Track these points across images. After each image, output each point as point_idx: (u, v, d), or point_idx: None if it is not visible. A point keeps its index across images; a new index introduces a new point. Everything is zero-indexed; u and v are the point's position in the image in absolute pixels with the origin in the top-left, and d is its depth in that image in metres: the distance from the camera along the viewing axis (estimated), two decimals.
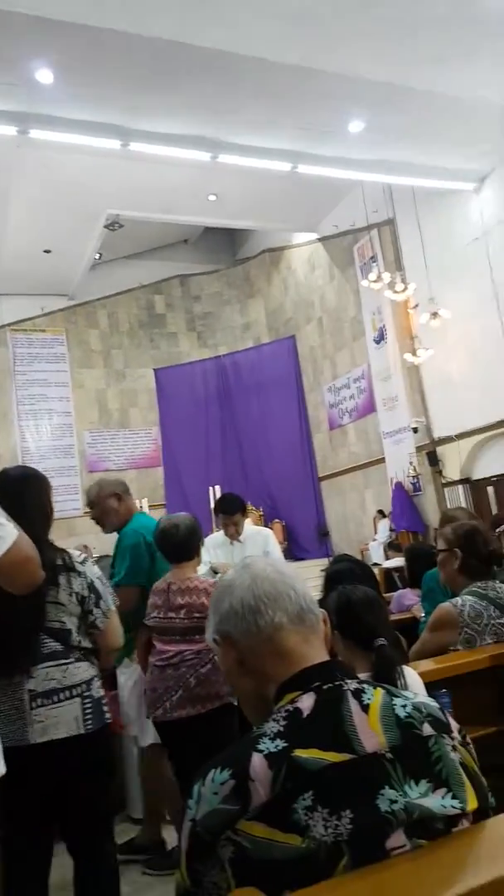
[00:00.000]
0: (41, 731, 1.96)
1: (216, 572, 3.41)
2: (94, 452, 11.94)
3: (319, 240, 10.96)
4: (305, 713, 0.97)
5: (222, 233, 12.91)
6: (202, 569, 3.35)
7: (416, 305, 8.74)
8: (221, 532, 3.91)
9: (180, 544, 2.90)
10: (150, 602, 2.97)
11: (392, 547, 8.21)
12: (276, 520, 11.37)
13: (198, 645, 2.74)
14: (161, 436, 12.52)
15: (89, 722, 2.01)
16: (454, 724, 1.03)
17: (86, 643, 2.11)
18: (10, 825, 1.92)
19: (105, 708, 2.10)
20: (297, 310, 11.93)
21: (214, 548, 3.84)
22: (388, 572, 6.61)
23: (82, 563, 2.15)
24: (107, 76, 6.19)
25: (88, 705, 2.03)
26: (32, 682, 1.98)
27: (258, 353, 12.57)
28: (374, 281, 8.66)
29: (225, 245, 13.37)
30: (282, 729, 0.95)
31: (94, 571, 2.16)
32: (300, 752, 0.92)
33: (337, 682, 1.01)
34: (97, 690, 2.09)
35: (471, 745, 1.03)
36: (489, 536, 2.79)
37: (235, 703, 2.65)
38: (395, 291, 8.60)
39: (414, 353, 8.59)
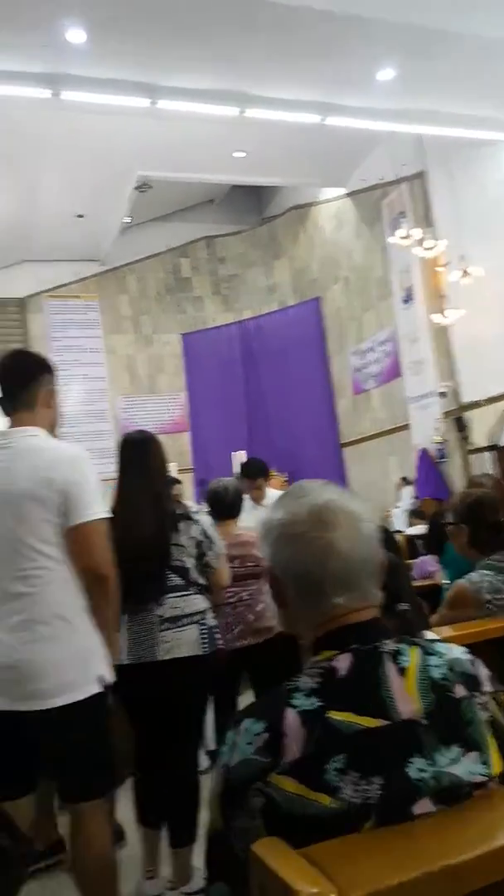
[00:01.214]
0: (167, 650, 2.34)
1: None
2: (126, 418, 12.14)
3: (348, 195, 10.86)
4: (341, 673, 0.97)
5: (249, 191, 12.83)
6: None
7: (447, 263, 8.60)
8: (246, 496, 3.99)
9: (231, 504, 3.31)
10: None
11: (415, 514, 8.17)
12: None
13: (251, 588, 3.20)
14: (188, 401, 12.64)
15: (205, 645, 2.40)
16: (484, 673, 1.04)
17: (201, 580, 2.50)
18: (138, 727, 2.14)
19: (217, 635, 2.49)
20: (323, 270, 11.88)
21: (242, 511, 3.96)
22: (410, 539, 6.69)
23: (196, 513, 2.57)
24: (136, 32, 6.21)
25: (205, 631, 2.43)
26: (161, 609, 2.37)
27: (283, 316, 12.56)
28: (404, 238, 8.50)
29: (251, 204, 13.30)
30: (316, 686, 0.96)
31: (206, 520, 2.56)
32: (334, 715, 0.93)
33: (375, 644, 1.01)
34: (211, 620, 2.48)
35: (500, 695, 1.04)
36: (500, 504, 2.69)
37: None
38: (425, 248, 8.47)
39: (443, 314, 8.50)
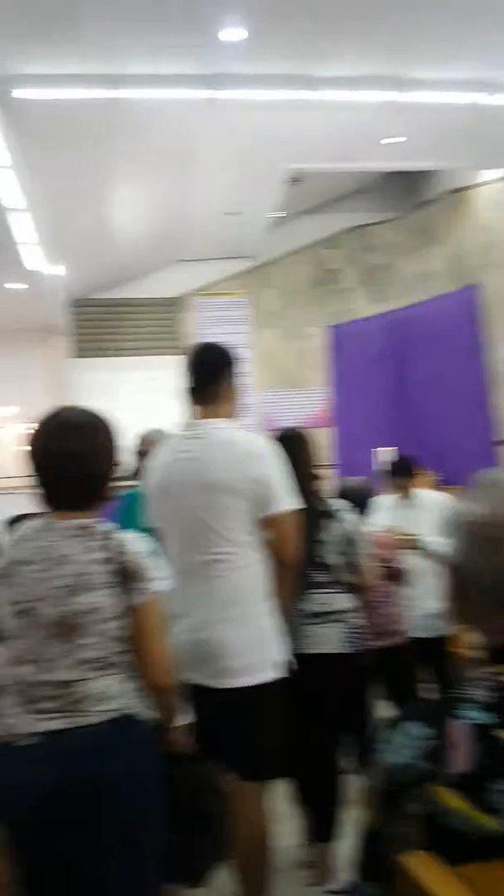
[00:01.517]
0: (312, 643, 2.38)
1: None
2: (269, 412, 12.19)
3: None
4: None
5: (401, 177, 12.41)
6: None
7: None
8: (392, 495, 3.85)
9: (358, 503, 3.25)
10: None
11: None
12: (451, 485, 10.93)
13: (382, 591, 3.13)
14: (331, 395, 12.43)
15: (349, 643, 2.47)
16: None
17: (346, 578, 2.53)
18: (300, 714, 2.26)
19: (360, 634, 2.54)
20: (482, 256, 11.24)
21: (385, 510, 3.76)
22: None
23: (342, 511, 2.58)
24: (292, 24, 6.15)
25: (348, 630, 2.48)
26: (305, 604, 2.37)
27: (437, 305, 11.96)
28: None
29: (404, 190, 12.85)
30: (493, 701, 0.90)
31: (351, 519, 2.59)
32: (502, 734, 0.87)
33: None
34: (355, 619, 2.52)
35: None
36: None
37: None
38: None
39: None
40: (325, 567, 2.47)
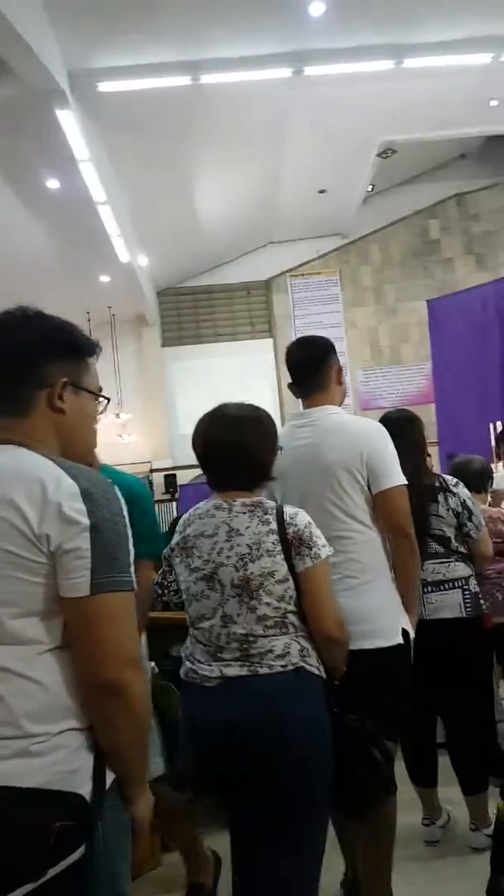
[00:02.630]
0: (432, 610, 2.56)
1: None
2: (366, 391, 11.85)
3: None
4: None
5: (502, 142, 11.62)
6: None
7: None
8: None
9: (474, 479, 3.21)
10: None
11: None
12: None
13: (498, 566, 3.10)
14: (433, 370, 11.89)
15: (469, 608, 2.58)
16: None
17: (463, 549, 2.65)
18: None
19: (481, 600, 2.64)
20: None
21: (499, 485, 3.71)
22: None
23: (455, 485, 2.67)
24: None
25: (468, 596, 2.59)
26: (423, 574, 2.49)
27: None
28: None
29: None
30: None
31: (464, 493, 2.66)
32: None
33: None
34: (474, 586, 2.63)
35: None
36: None
37: None
38: None
39: None
40: (441, 539, 2.61)
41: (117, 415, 10.35)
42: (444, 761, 2.73)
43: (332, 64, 6.73)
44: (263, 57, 6.60)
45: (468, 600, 2.58)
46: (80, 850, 1.02)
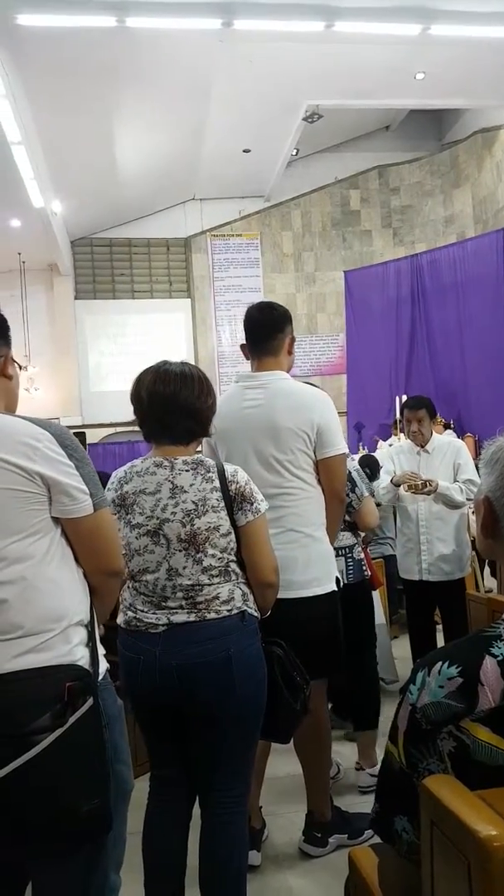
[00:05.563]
0: None
1: (398, 486, 3.41)
2: None
3: None
4: None
5: (428, 116, 11.78)
6: (384, 479, 3.54)
7: None
8: (408, 441, 3.64)
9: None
10: None
11: None
12: (468, 434, 10.67)
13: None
14: (347, 342, 12.08)
15: (351, 575, 2.76)
16: None
17: (347, 518, 2.74)
18: None
19: (364, 567, 2.84)
20: None
21: (398, 455, 3.59)
22: None
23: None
24: None
25: (350, 563, 2.79)
26: None
27: (461, 250, 11.46)
28: None
29: (431, 129, 12.22)
30: None
31: (351, 465, 2.71)
32: None
33: None
34: (358, 553, 2.83)
35: None
36: None
37: None
38: None
39: None
40: None
41: (24, 367, 9.98)
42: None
43: (262, 19, 6.59)
44: (194, 4, 6.39)
45: (351, 567, 2.77)
46: (90, 702, 1.35)
